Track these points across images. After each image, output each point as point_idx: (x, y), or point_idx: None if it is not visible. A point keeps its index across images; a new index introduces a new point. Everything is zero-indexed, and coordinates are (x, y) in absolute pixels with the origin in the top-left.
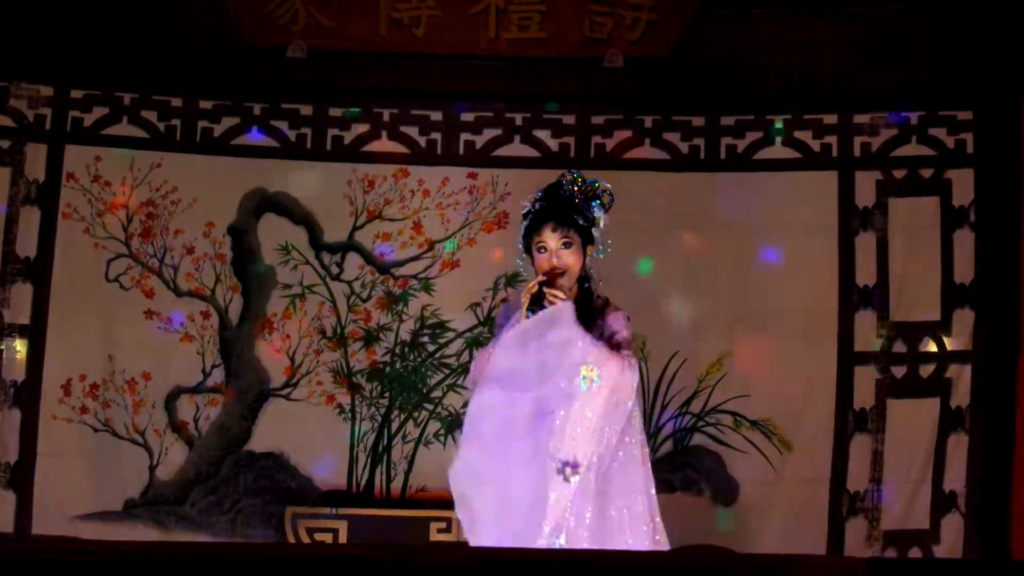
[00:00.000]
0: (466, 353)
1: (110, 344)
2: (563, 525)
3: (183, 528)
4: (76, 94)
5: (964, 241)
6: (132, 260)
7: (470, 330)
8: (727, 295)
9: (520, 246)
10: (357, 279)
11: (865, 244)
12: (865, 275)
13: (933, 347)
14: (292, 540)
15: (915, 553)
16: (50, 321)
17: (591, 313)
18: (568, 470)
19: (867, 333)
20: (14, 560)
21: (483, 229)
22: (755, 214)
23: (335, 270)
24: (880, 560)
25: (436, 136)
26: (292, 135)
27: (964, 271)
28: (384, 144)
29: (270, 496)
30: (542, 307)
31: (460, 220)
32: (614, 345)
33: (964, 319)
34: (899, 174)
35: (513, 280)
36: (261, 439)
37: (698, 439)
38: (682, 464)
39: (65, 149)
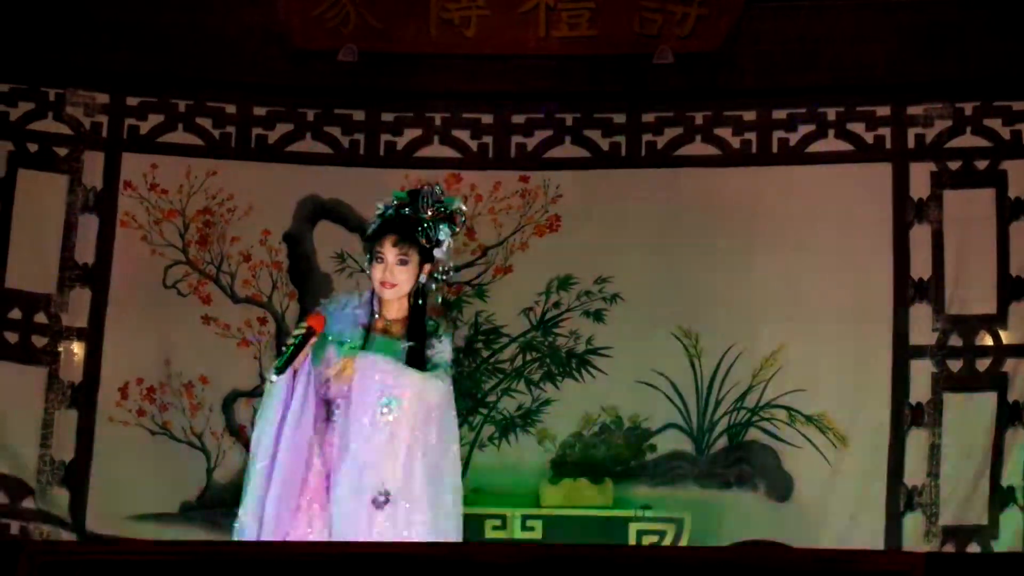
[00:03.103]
0: (519, 357)
1: (167, 348)
2: None
3: None
4: (132, 101)
5: (1020, 233)
6: (189, 267)
7: (524, 335)
8: (781, 289)
9: (364, 248)
10: None
11: (920, 237)
12: (920, 268)
13: (989, 341)
14: None
15: (973, 548)
16: (108, 325)
17: (420, 331)
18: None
19: (922, 327)
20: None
21: (535, 233)
22: (809, 207)
23: None
24: (939, 555)
25: (487, 140)
26: (345, 141)
27: (1021, 264)
28: (436, 149)
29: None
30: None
31: (512, 224)
32: (432, 366)
33: (1021, 312)
34: (954, 165)
35: (566, 283)
36: None
37: (752, 434)
38: (737, 460)
39: (122, 157)
